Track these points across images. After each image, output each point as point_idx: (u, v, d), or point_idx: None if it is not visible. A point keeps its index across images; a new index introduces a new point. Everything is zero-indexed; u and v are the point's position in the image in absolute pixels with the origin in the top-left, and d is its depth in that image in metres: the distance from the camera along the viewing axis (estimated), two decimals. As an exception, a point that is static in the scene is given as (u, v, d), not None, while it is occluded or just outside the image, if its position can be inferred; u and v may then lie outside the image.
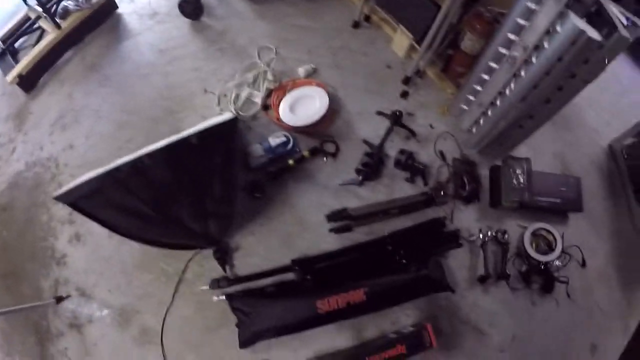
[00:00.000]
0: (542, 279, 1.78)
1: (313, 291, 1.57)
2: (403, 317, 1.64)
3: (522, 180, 1.85)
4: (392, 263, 1.64)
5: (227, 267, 1.66)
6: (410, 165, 1.73)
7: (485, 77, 1.76)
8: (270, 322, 1.54)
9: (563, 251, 1.82)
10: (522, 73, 1.59)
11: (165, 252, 1.69)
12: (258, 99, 1.88)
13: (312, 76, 2.03)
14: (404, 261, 1.63)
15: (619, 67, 2.24)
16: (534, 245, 1.81)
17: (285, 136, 1.78)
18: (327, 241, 1.69)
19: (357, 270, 1.62)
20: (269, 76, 1.90)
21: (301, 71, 1.96)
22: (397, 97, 1.92)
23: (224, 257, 1.66)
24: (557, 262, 1.81)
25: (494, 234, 1.77)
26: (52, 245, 1.73)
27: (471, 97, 1.83)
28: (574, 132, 2.10)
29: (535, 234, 1.83)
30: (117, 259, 1.71)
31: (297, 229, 1.70)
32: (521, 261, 1.80)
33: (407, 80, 1.90)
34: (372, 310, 1.58)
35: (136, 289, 1.68)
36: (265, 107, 1.86)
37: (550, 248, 1.82)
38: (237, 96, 1.90)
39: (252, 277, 1.63)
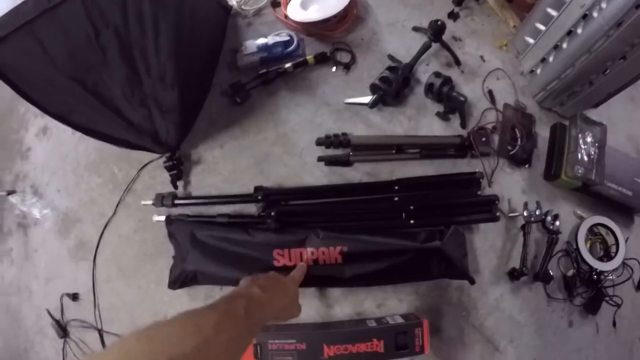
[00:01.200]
0: (589, 294, 0.90)
1: (274, 236, 0.78)
2: (393, 301, 0.83)
3: (592, 152, 0.95)
4: (394, 221, 0.81)
5: (180, 183, 0.89)
6: (446, 95, 0.87)
7: (553, 12, 0.93)
8: (209, 265, 0.77)
9: (624, 262, 0.95)
10: (594, 14, 0.77)
11: (120, 154, 0.94)
12: None
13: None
14: (411, 222, 0.79)
15: None
16: (588, 245, 0.94)
17: (289, 35, 0.96)
18: (313, 173, 0.88)
19: (342, 221, 0.80)
20: (286, -32, 1.07)
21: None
22: (444, 17, 1.02)
23: (177, 168, 0.88)
24: (612, 275, 0.95)
25: (542, 215, 0.89)
26: (22, 138, 1.06)
27: (540, 26, 0.98)
28: None
29: (592, 231, 0.95)
30: (73, 157, 0.98)
31: (278, 150, 0.90)
32: (569, 262, 0.92)
33: (459, 1, 1.02)
34: (349, 283, 0.78)
35: (82, 193, 0.95)
36: (276, 3, 1.04)
37: (607, 254, 0.92)
38: (245, -12, 1.11)
39: (204, 200, 0.86)
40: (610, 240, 0.96)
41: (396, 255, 0.76)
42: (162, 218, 0.86)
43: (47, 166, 1.03)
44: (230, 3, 1.04)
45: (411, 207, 0.79)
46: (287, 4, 1.01)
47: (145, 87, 0.81)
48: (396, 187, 0.80)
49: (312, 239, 0.78)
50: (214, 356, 0.38)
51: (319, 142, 0.84)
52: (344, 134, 0.84)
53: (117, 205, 0.94)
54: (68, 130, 0.90)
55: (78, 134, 0.90)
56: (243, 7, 1.05)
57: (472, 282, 0.81)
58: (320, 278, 0.78)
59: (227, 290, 0.83)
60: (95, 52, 0.74)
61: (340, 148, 0.84)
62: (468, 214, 0.83)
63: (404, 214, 0.79)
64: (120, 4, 0.71)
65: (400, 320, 0.80)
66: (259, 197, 0.80)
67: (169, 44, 0.75)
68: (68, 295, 0.93)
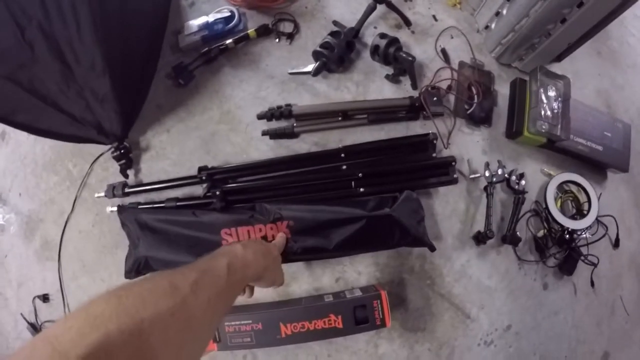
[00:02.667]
0: (563, 254, 0.84)
1: (221, 215, 0.73)
2: (352, 274, 0.78)
3: (555, 107, 0.86)
4: (343, 191, 0.75)
5: (131, 172, 0.84)
6: (393, 56, 0.80)
7: None
8: (159, 249, 0.71)
9: (597, 219, 0.88)
10: None
11: (74, 150, 0.89)
12: None
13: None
14: (361, 190, 0.74)
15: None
16: (558, 203, 0.87)
17: (230, 11, 0.90)
18: (259, 148, 0.82)
19: (289, 195, 0.75)
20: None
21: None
22: None
23: (125, 157, 0.83)
24: (586, 234, 0.88)
25: (506, 175, 0.83)
26: (-18, 145, 1.02)
27: None
28: (625, 74, 1.06)
29: (562, 189, 0.88)
30: (31, 158, 0.93)
31: (224, 128, 0.84)
32: (538, 222, 0.85)
33: None
34: (300, 257, 0.72)
35: (42, 194, 0.90)
36: None
37: (580, 212, 0.86)
38: (189, -33, 1.08)
39: (152, 186, 0.81)
40: (582, 197, 0.89)
41: (345, 225, 0.70)
42: (115, 209, 0.83)
43: (7, 171, 0.98)
44: (173, -15, 1.00)
45: (359, 175, 0.73)
46: (229, -21, 0.96)
47: (79, 78, 0.75)
48: (342, 155, 0.75)
49: (259, 215, 0.73)
50: (193, 316, 0.34)
51: (261, 116, 0.78)
52: (288, 105, 0.78)
53: (74, 202, 0.90)
54: (24, 132, 0.87)
55: (33, 135, 0.86)
56: (186, -13, 1.00)
57: (432, 249, 0.75)
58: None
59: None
60: (24, 49, 0.70)
61: (283, 119, 0.78)
62: (423, 178, 0.77)
63: (353, 183, 0.74)
64: None
65: (358, 293, 0.75)
66: (203, 178, 0.75)
67: (92, 31, 0.69)
68: (39, 297, 0.89)
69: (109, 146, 0.88)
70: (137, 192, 0.84)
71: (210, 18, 0.89)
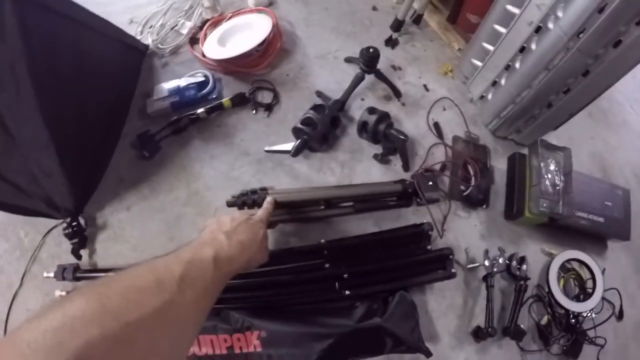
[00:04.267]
0: (568, 339, 0.72)
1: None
2: None
3: (557, 181, 0.77)
4: (326, 293, 0.62)
5: (85, 252, 0.70)
6: (383, 134, 0.70)
7: (501, 29, 0.78)
8: None
9: (603, 297, 0.77)
10: (550, 25, 0.63)
11: (26, 217, 0.78)
12: (185, 30, 0.89)
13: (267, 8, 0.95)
14: (346, 292, 0.61)
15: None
16: (560, 284, 0.77)
17: (205, 76, 0.80)
18: (229, 239, 0.75)
19: (263, 297, 0.61)
20: (206, 2, 0.89)
21: (251, 1, 0.93)
22: (381, 44, 0.87)
23: (78, 236, 0.69)
24: (592, 314, 0.80)
25: (506, 261, 0.73)
26: None
27: (488, 46, 0.81)
28: (618, 134, 1.01)
29: (564, 267, 0.77)
30: None
31: (190, 211, 0.72)
32: (541, 308, 0.74)
33: (398, 26, 0.87)
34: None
35: None
36: (194, 40, 0.88)
37: (583, 290, 0.75)
38: (163, 25, 0.90)
39: (105, 273, 0.64)
40: (585, 274, 0.79)
41: (327, 337, 0.59)
42: (64, 294, 0.69)
43: None
44: (146, 42, 0.90)
45: (345, 275, 0.61)
46: (204, 40, 0.87)
47: (22, 148, 0.63)
48: (325, 252, 0.63)
49: (225, 322, 0.60)
50: (179, 315, 0.32)
51: (231, 203, 0.65)
52: (263, 189, 0.66)
53: (23, 276, 0.75)
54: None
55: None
56: (160, 45, 0.88)
57: (429, 354, 0.63)
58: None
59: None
60: None
61: (256, 208, 0.65)
62: (417, 275, 0.65)
63: (337, 284, 0.61)
64: None
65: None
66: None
67: (33, 98, 0.57)
68: None
69: (61, 220, 0.75)
70: (89, 278, 0.71)
71: (183, 82, 0.79)
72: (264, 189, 0.67)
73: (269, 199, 0.63)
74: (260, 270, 0.62)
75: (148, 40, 0.89)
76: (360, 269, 0.63)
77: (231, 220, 0.50)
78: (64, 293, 0.68)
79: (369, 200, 0.67)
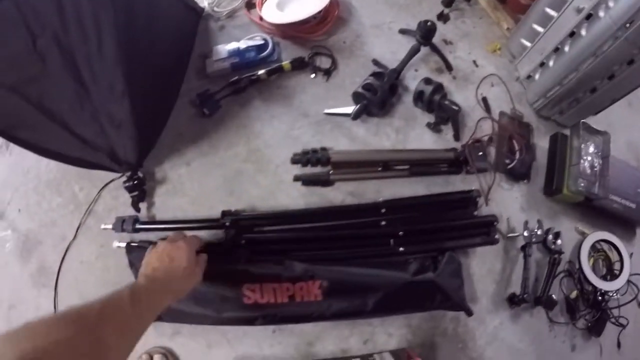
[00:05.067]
0: (594, 315, 0.77)
1: (244, 268, 0.64)
2: (382, 336, 0.68)
3: (595, 164, 0.81)
4: (381, 248, 0.66)
5: (143, 205, 0.74)
6: (437, 104, 0.72)
7: (552, 12, 0.78)
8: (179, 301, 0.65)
9: (628, 280, 0.79)
10: (600, 13, 0.64)
11: (81, 172, 0.78)
12: None
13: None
14: (400, 249, 0.65)
15: None
16: (590, 262, 0.82)
17: (264, 39, 0.81)
18: (289, 194, 0.73)
19: (322, 249, 0.66)
20: (263, -34, 0.90)
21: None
22: (433, 18, 0.87)
23: (138, 189, 0.73)
24: (617, 295, 0.81)
25: (544, 234, 0.77)
26: (-15, 153, 0.87)
27: (538, 28, 0.82)
28: None
29: (595, 247, 0.80)
30: (35, 173, 0.82)
31: (250, 168, 0.75)
32: (571, 283, 0.78)
33: (449, 2, 0.88)
34: (331, 318, 0.63)
35: (43, 214, 0.79)
36: (250, 5, 0.89)
37: (610, 271, 0.79)
38: (219, -11, 0.94)
39: (167, 224, 0.71)
40: (613, 256, 0.83)
41: (384, 288, 0.63)
42: (123, 244, 0.72)
43: (8, 183, 0.86)
44: (202, 5, 0.90)
45: (400, 233, 0.65)
46: (262, 5, 0.87)
47: (94, 99, 0.65)
48: (383, 211, 0.66)
49: (288, 271, 0.64)
50: (101, 342, 0.37)
51: (295, 160, 0.69)
52: (324, 149, 0.70)
53: (77, 229, 0.78)
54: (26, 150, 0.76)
55: (36, 154, 0.75)
56: (215, 9, 0.90)
57: (470, 313, 0.67)
58: (298, 316, 0.64)
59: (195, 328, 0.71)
60: (34, 60, 0.58)
61: (319, 165, 0.69)
62: (464, 238, 0.69)
63: (392, 241, 0.65)
64: (56, 2, 0.57)
65: (390, 358, 0.66)
66: (227, 224, 0.65)
67: (115, 48, 0.59)
68: None
69: (120, 174, 0.78)
70: (148, 230, 0.74)
71: (242, 45, 0.80)
72: (324, 149, 0.70)
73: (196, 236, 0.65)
74: (323, 225, 0.66)
75: (204, 3, 0.90)
76: (414, 228, 0.67)
77: (154, 260, 0.55)
78: (122, 244, 0.71)
79: (423, 165, 0.71)
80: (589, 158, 0.82)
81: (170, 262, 0.54)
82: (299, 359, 0.69)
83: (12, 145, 0.88)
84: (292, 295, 0.63)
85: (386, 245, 0.65)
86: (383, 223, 0.66)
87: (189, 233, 0.72)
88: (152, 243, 0.70)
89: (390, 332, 0.70)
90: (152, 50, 0.72)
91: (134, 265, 0.69)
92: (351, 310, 0.63)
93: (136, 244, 0.70)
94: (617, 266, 0.81)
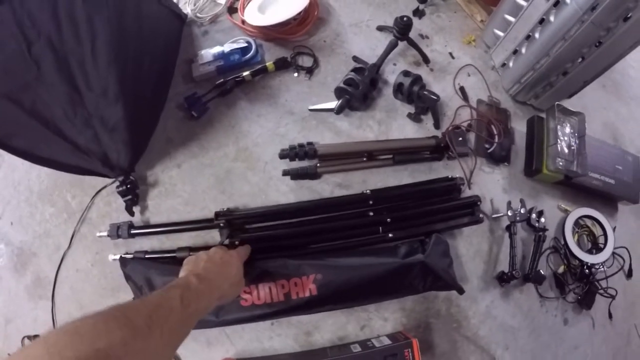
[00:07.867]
0: (583, 288, 0.79)
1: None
2: (377, 321, 0.69)
3: (572, 143, 0.83)
4: (371, 237, 0.67)
5: (137, 209, 0.74)
6: (417, 95, 0.74)
7: (523, 2, 0.81)
8: None
9: (613, 252, 0.83)
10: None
11: (73, 180, 0.78)
12: (223, 0, 0.90)
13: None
14: (390, 235, 0.66)
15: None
16: (575, 238, 0.82)
17: (247, 42, 0.83)
18: (278, 189, 0.74)
19: (314, 242, 0.67)
20: (243, -28, 0.91)
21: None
22: (409, 15, 0.87)
23: (131, 193, 0.72)
24: (604, 267, 0.83)
25: (527, 213, 0.78)
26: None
27: (510, 18, 0.86)
28: (629, 106, 1.05)
29: (578, 223, 0.83)
30: (26, 185, 0.80)
31: (240, 166, 0.75)
32: (558, 259, 0.80)
33: None
34: (326, 307, 0.64)
35: (36, 225, 0.77)
36: (232, 9, 0.90)
37: (596, 245, 0.81)
38: (201, -5, 0.95)
39: (163, 228, 0.71)
40: (597, 231, 0.85)
41: (376, 274, 0.63)
42: (117, 258, 0.70)
43: None
44: (185, 11, 0.91)
45: (388, 220, 0.66)
46: (244, 9, 0.88)
47: (88, 105, 0.65)
48: (371, 202, 0.68)
49: (281, 269, 0.63)
50: (147, 349, 0.34)
51: (283, 155, 0.70)
52: (310, 144, 0.71)
53: (72, 237, 0.78)
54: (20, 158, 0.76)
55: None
56: (198, 14, 0.90)
57: (461, 291, 0.68)
58: (295, 310, 0.64)
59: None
60: (29, 66, 0.59)
61: (306, 159, 0.71)
62: (450, 219, 0.70)
63: (380, 228, 0.66)
64: (51, 8, 0.56)
65: (387, 341, 0.67)
66: (221, 225, 0.66)
67: (108, 52, 0.60)
68: (29, 337, 0.76)
69: (112, 179, 0.78)
70: (144, 234, 0.74)
71: (226, 48, 0.81)
72: (311, 144, 0.71)
73: (247, 246, 0.64)
74: (313, 218, 0.67)
75: (187, 9, 0.91)
76: (400, 214, 0.68)
77: (207, 260, 0.52)
78: (116, 257, 0.70)
79: (406, 153, 0.72)
80: (566, 138, 0.85)
81: (222, 265, 0.52)
82: (299, 349, 0.70)
83: (0, 158, 0.88)
84: (288, 292, 0.62)
85: (376, 234, 0.66)
86: (371, 213, 0.67)
87: (184, 235, 0.74)
88: (147, 252, 0.71)
89: (385, 316, 0.71)
90: (142, 55, 0.72)
91: (131, 279, 0.67)
92: (346, 298, 0.64)
93: (130, 256, 0.69)
94: (601, 240, 0.84)
